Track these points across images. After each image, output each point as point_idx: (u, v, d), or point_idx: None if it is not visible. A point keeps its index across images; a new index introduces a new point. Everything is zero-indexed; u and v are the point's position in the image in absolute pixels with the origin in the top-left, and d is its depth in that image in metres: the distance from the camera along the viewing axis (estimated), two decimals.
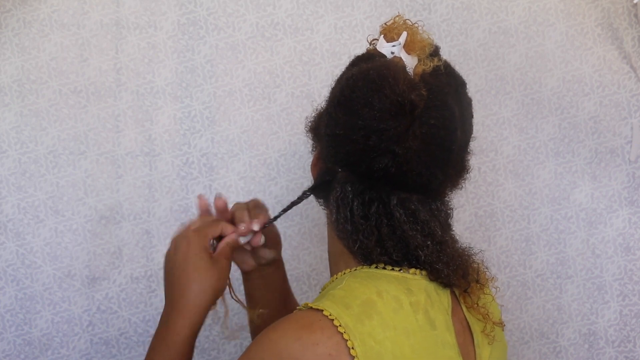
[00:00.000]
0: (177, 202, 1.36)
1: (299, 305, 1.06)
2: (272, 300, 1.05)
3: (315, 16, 1.35)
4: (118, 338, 1.37)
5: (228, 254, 0.91)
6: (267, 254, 1.00)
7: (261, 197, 1.35)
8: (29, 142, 1.34)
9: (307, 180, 1.37)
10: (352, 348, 0.73)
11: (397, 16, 0.86)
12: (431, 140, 0.80)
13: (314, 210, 1.37)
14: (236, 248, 0.93)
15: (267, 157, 1.36)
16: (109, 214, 1.35)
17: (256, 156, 1.36)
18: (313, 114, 0.91)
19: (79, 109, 1.35)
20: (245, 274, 1.04)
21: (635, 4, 1.31)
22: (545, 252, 1.38)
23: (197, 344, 1.37)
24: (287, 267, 1.35)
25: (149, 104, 1.35)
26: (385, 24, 0.87)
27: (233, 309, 1.38)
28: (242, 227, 0.92)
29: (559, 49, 1.35)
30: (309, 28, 1.35)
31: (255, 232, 0.93)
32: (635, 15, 1.32)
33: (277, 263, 1.04)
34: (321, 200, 0.90)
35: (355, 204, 0.82)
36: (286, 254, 1.36)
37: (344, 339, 0.73)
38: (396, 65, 0.81)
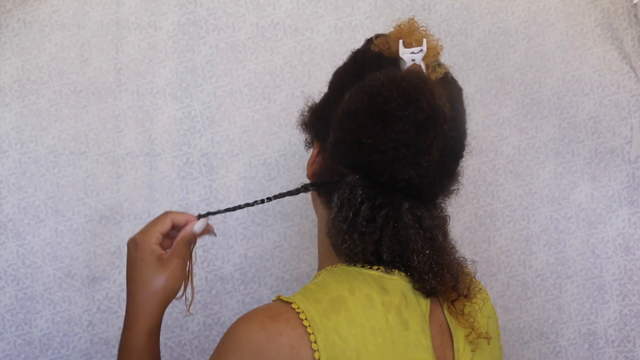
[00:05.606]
0: (177, 202, 1.36)
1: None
2: None
3: (315, 16, 1.35)
4: (118, 338, 1.37)
5: (182, 252, 0.88)
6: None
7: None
8: (29, 142, 1.34)
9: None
10: (314, 342, 0.73)
11: (411, 19, 0.84)
12: (448, 151, 0.80)
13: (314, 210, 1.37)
14: (193, 240, 0.90)
15: (267, 157, 1.36)
16: (109, 214, 1.35)
17: (256, 156, 1.36)
18: (306, 109, 0.90)
19: (79, 109, 1.35)
20: None
21: (635, 4, 1.31)
22: (545, 252, 1.38)
23: (197, 343, 1.38)
24: (287, 267, 1.36)
25: (149, 104, 1.35)
26: (399, 26, 0.84)
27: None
28: (197, 214, 0.90)
29: (558, 49, 1.35)
30: (309, 28, 1.35)
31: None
32: (635, 15, 1.32)
33: None
34: (322, 199, 0.89)
35: (363, 207, 0.81)
36: (286, 254, 1.37)
37: (307, 332, 0.74)
38: (426, 76, 0.79)
